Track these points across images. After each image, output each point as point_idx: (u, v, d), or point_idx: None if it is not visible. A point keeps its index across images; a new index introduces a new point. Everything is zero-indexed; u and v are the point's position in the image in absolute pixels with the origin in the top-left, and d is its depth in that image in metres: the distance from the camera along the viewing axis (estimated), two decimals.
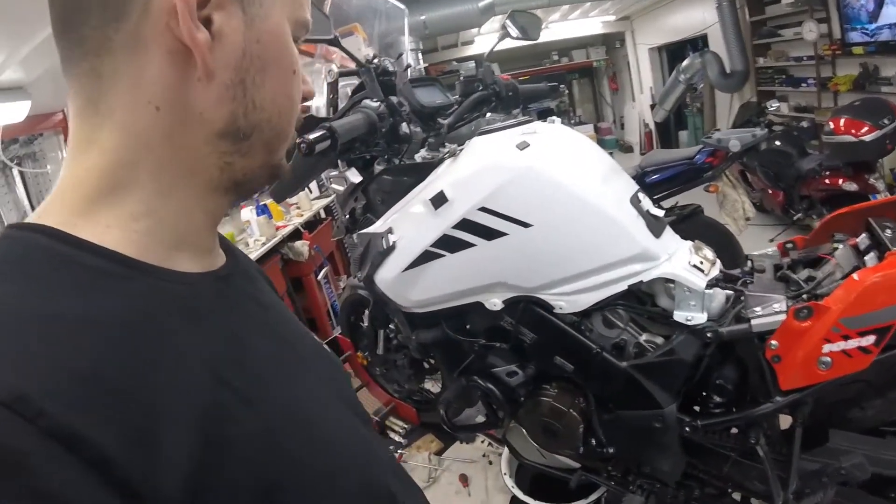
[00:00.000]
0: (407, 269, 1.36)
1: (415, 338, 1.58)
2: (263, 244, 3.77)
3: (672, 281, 1.27)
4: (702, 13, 7.10)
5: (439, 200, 1.30)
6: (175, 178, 0.47)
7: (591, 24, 9.74)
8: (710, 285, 1.25)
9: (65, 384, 0.33)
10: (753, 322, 1.20)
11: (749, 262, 1.48)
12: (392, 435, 2.87)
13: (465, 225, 1.29)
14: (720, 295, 1.31)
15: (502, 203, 1.26)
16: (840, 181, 3.96)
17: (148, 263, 0.44)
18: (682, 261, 1.27)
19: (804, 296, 1.26)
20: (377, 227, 1.48)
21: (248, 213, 4.14)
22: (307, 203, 4.85)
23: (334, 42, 1.37)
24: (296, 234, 4.19)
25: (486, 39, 8.48)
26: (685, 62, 6.78)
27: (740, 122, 5.29)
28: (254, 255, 3.55)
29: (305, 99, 0.56)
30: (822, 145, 4.37)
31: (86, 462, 0.31)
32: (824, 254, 1.41)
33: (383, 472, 0.57)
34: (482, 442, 2.61)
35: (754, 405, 1.26)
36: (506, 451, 2.09)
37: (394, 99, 1.48)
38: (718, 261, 1.34)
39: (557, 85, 2.08)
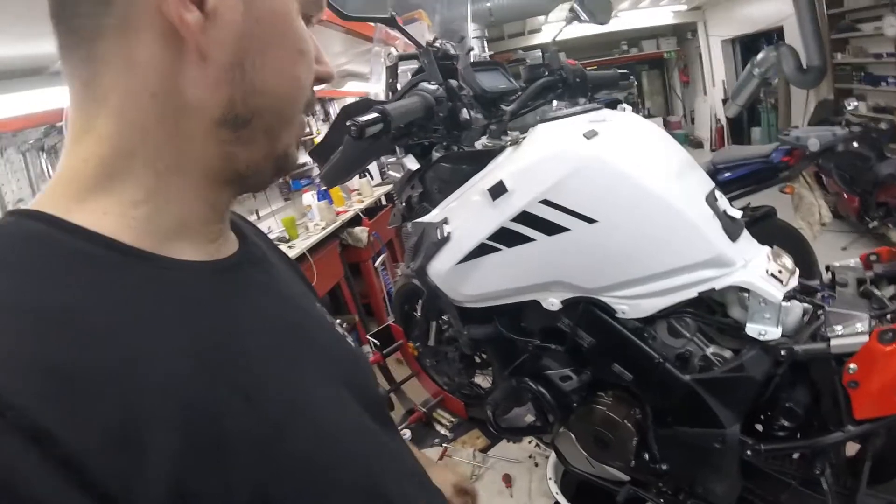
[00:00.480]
0: (461, 261, 1.30)
1: (466, 333, 1.53)
2: (323, 229, 3.83)
3: (747, 290, 1.17)
4: (777, 4, 6.73)
5: (498, 191, 1.23)
6: (174, 169, 0.45)
7: (662, 14, 9.43)
8: (787, 297, 1.14)
9: (39, 380, 0.32)
10: (833, 342, 1.09)
11: (829, 274, 1.36)
12: (438, 427, 2.84)
13: (524, 218, 1.21)
14: (797, 308, 1.20)
15: (566, 196, 1.18)
16: None
17: (145, 251, 0.43)
18: (759, 268, 1.17)
19: (888, 316, 1.14)
20: (432, 216, 1.42)
21: (309, 197, 4.23)
22: (369, 189, 4.90)
23: (390, 21, 1.32)
24: (356, 220, 4.25)
25: (553, 28, 8.22)
26: (759, 55, 6.46)
27: (816, 121, 5.06)
28: (313, 240, 3.60)
29: (321, 81, 0.53)
30: None
31: (55, 460, 0.30)
32: None
33: (393, 478, 0.54)
34: (529, 442, 2.55)
35: (823, 432, 1.16)
36: (552, 455, 2.02)
37: (453, 82, 1.42)
38: (797, 270, 1.22)
39: (627, 73, 1.97)
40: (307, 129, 0.58)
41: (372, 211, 4.56)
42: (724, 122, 9.14)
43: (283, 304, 0.55)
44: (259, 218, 4.04)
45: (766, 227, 2.65)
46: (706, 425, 1.23)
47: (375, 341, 2.70)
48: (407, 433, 2.79)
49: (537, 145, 1.30)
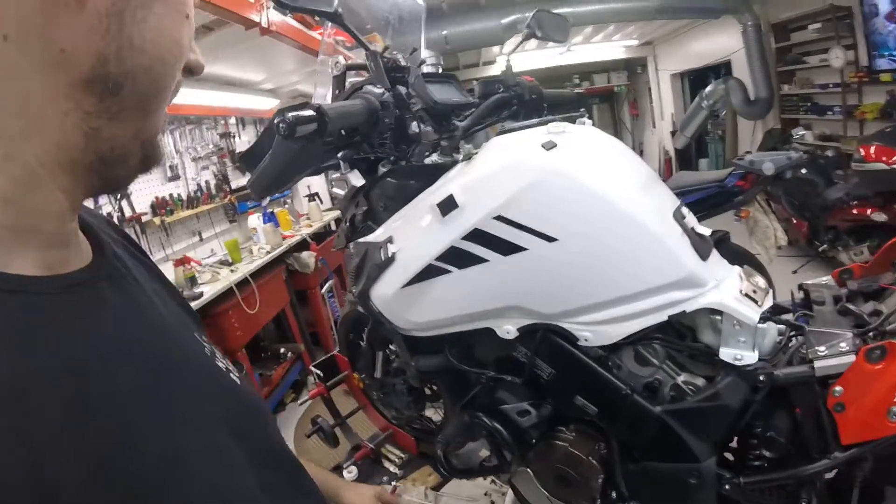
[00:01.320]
0: (407, 284, 1.17)
1: (414, 364, 1.40)
2: (268, 253, 3.70)
3: (718, 312, 1.07)
4: (726, 39, 7.04)
5: (448, 206, 1.11)
6: (24, 139, 0.36)
7: (613, 49, 9.67)
8: (763, 319, 1.05)
9: None
10: (816, 364, 1.01)
11: (801, 293, 1.29)
12: (387, 464, 2.66)
13: (477, 236, 1.09)
14: (773, 330, 1.12)
15: (522, 211, 1.07)
16: (869, 211, 3.88)
17: None
18: (731, 289, 1.07)
19: (871, 333, 1.07)
20: (376, 235, 1.30)
21: (255, 220, 4.10)
22: (318, 214, 4.79)
23: (335, 17, 1.20)
24: (303, 245, 4.13)
25: (509, 60, 8.33)
26: (708, 88, 6.70)
27: (765, 150, 5.16)
28: (256, 264, 3.45)
29: (190, 72, 0.46)
30: (850, 174, 4.24)
31: None
32: (886, 284, 1.24)
33: None
34: (484, 479, 2.40)
35: (806, 460, 1.07)
36: (510, 492, 1.89)
37: (402, 89, 1.31)
38: (771, 290, 1.14)
39: (584, 92, 1.90)
40: (166, 122, 0.50)
41: (320, 236, 4.46)
42: (672, 153, 9.39)
43: (149, 331, 0.46)
44: (202, 240, 3.86)
45: (721, 251, 2.62)
46: (679, 459, 1.12)
47: (319, 372, 2.52)
48: (353, 471, 2.61)
49: (491, 157, 1.19)
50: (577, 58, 9.34)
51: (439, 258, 1.12)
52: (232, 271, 3.35)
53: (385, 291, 1.21)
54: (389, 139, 1.37)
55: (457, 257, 1.11)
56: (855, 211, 3.96)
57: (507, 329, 1.17)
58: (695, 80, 9.07)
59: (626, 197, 1.09)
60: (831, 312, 1.17)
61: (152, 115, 0.42)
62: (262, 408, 0.59)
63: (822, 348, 1.04)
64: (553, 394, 1.23)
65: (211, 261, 3.59)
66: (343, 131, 1.28)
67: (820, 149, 5.58)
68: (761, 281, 1.13)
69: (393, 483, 2.52)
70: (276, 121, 1.00)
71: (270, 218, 4.16)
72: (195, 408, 0.45)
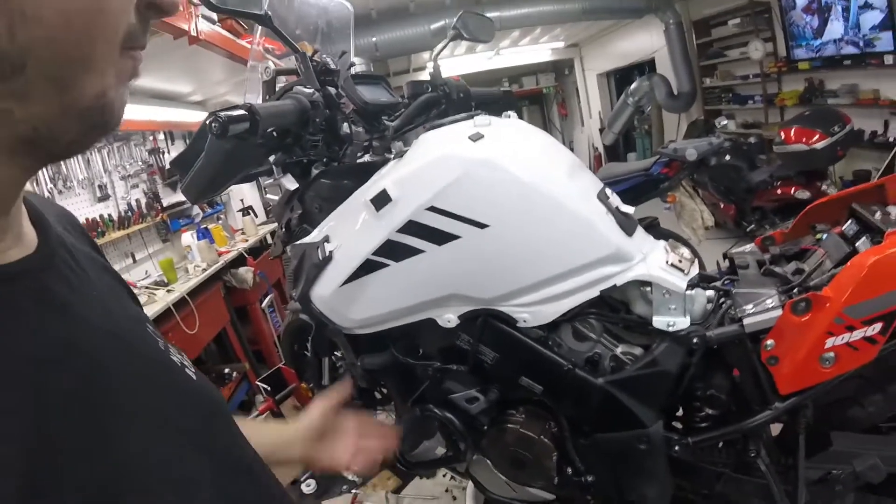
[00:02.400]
0: (346, 282, 1.17)
1: (360, 364, 1.39)
2: (204, 270, 3.60)
3: (648, 284, 1.12)
4: (649, 38, 7.28)
5: (381, 200, 1.12)
6: None
7: (540, 52, 9.83)
8: (690, 286, 1.11)
9: None
10: (746, 322, 1.07)
11: (726, 262, 1.36)
12: (345, 473, 2.63)
13: (411, 228, 1.11)
14: (702, 296, 1.18)
15: (454, 201, 1.09)
16: (793, 190, 4.06)
17: None
18: (658, 261, 1.13)
19: (796, 289, 1.13)
20: (312, 236, 1.29)
21: (189, 237, 3.99)
22: (252, 228, 4.70)
23: (264, 19, 1.20)
24: (240, 261, 4.02)
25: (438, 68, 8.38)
26: (633, 85, 6.94)
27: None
28: (193, 283, 3.36)
29: (160, 10, 0.40)
30: (772, 157, 4.45)
31: None
32: (808, 245, 1.31)
33: None
34: (444, 476, 2.40)
35: (750, 414, 1.13)
36: (470, 485, 1.90)
37: (332, 90, 1.31)
38: (696, 259, 1.20)
39: (511, 90, 1.95)
40: (138, 66, 0.42)
41: (257, 250, 4.36)
42: (601, 149, 9.63)
43: (95, 327, 0.42)
44: (135, 262, 3.73)
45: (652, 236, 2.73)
46: (627, 427, 1.17)
47: (266, 387, 2.48)
48: (312, 483, 2.57)
49: (421, 151, 1.21)
50: (505, 61, 9.46)
51: (376, 252, 1.13)
52: (168, 291, 3.23)
53: (325, 291, 1.21)
54: (321, 141, 1.37)
55: (393, 250, 1.13)
56: (779, 191, 4.15)
57: (448, 318, 1.19)
58: (621, 79, 9.34)
59: (550, 181, 1.13)
60: (756, 275, 1.24)
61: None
62: (219, 402, 0.56)
63: (749, 307, 1.09)
64: (499, 377, 1.25)
65: (146, 282, 3.46)
66: (275, 133, 1.27)
67: (743, 136, 5.86)
68: (686, 252, 1.18)
69: (353, 491, 2.49)
70: (208, 120, 0.99)
71: (205, 234, 4.04)
72: (145, 409, 0.41)
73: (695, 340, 1.10)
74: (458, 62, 8.55)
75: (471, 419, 1.28)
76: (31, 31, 0.32)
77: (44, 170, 2.99)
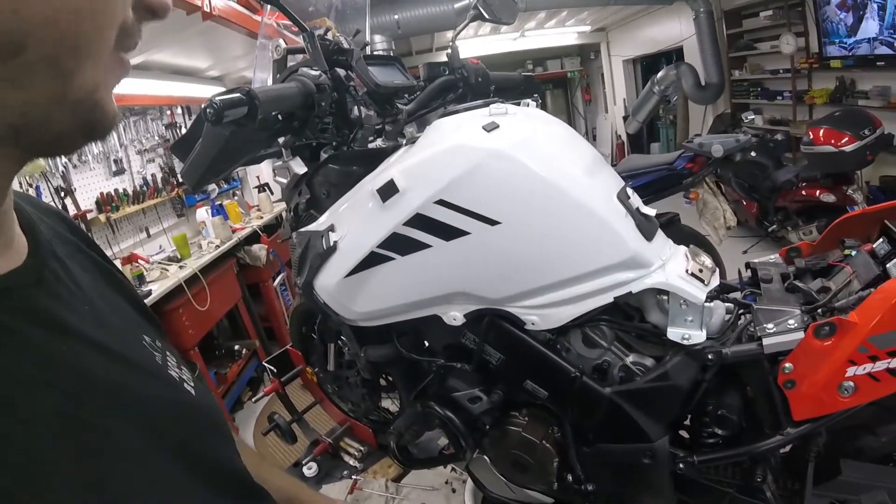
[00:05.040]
0: (350, 274, 1.13)
1: (363, 355, 1.36)
2: (217, 247, 3.58)
3: (665, 292, 1.06)
4: (678, 26, 7.11)
5: (388, 191, 1.07)
6: None
7: (566, 35, 9.68)
8: (710, 297, 1.05)
9: None
10: (766, 342, 1.01)
11: (748, 272, 1.29)
12: (347, 458, 2.63)
13: (418, 221, 1.06)
14: (720, 309, 1.12)
15: (464, 195, 1.04)
16: (817, 192, 3.96)
17: None
18: (678, 268, 1.07)
19: (819, 310, 1.07)
20: (318, 224, 1.25)
21: (203, 213, 3.96)
22: (268, 205, 4.68)
23: None
24: (254, 238, 4.01)
25: (461, 45, 8.28)
26: (660, 73, 6.79)
27: (714, 134, 5.25)
28: (205, 259, 3.35)
29: (153, 13, 0.38)
30: (798, 157, 4.33)
31: None
32: (835, 261, 1.24)
33: None
34: (445, 467, 2.38)
35: (759, 437, 1.07)
36: (469, 481, 1.87)
37: (341, 72, 1.26)
38: (717, 269, 1.14)
39: (531, 74, 1.88)
40: (127, 71, 0.40)
41: (272, 228, 4.33)
42: (624, 138, 9.49)
43: (83, 346, 0.40)
44: (149, 236, 3.72)
45: (671, 233, 2.65)
46: (632, 440, 1.12)
47: (272, 368, 2.46)
48: (313, 466, 2.57)
49: (432, 140, 1.15)
50: (530, 44, 9.33)
51: (381, 245, 1.09)
52: (181, 267, 3.22)
53: (328, 282, 1.17)
54: (332, 124, 1.32)
55: (399, 244, 1.08)
56: (804, 192, 4.04)
57: (454, 316, 1.14)
58: (647, 66, 9.17)
59: (568, 178, 1.06)
60: (779, 290, 1.17)
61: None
62: (220, 423, 0.54)
63: (770, 325, 1.03)
64: (503, 379, 1.21)
65: (159, 257, 3.46)
66: (280, 116, 1.22)
67: (770, 133, 5.71)
68: (707, 260, 1.12)
69: (353, 477, 2.49)
70: (203, 106, 0.95)
71: (219, 211, 4.03)
72: (133, 434, 0.39)
73: (710, 356, 1.04)
74: (482, 43, 8.42)
75: (472, 419, 1.24)
76: (36, 11, 0.30)
77: None
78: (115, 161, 3.48)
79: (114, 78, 0.38)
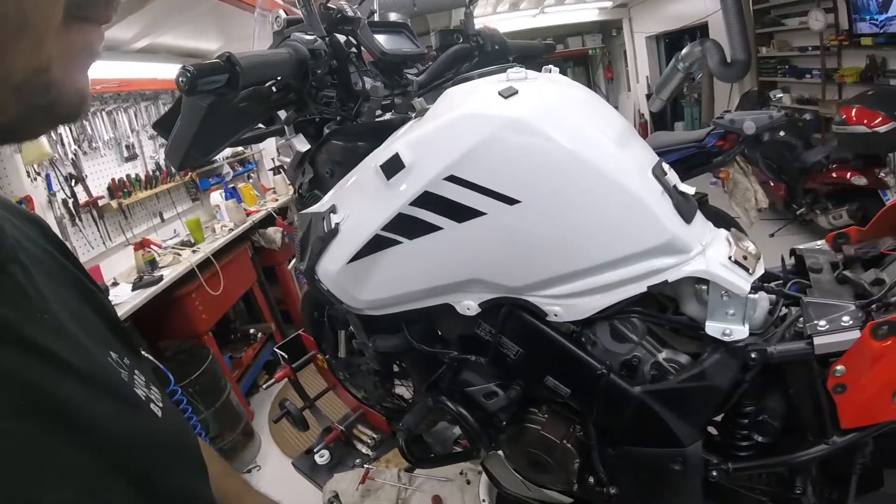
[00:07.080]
0: (354, 259, 1.02)
1: (371, 346, 1.26)
2: (231, 230, 3.53)
3: (704, 281, 0.95)
4: (702, 1, 6.87)
5: (393, 167, 0.96)
6: None
7: (587, 11, 9.48)
8: (754, 288, 0.93)
9: None
10: (817, 341, 0.89)
11: (794, 259, 1.17)
12: (359, 446, 2.56)
13: (426, 200, 0.95)
14: (765, 301, 0.99)
15: (478, 170, 0.92)
16: (848, 175, 3.83)
17: None
18: (719, 255, 0.94)
19: (874, 305, 0.94)
20: (320, 204, 1.15)
21: (217, 196, 3.92)
22: (284, 187, 4.64)
23: None
24: (269, 221, 3.96)
25: (480, 23, 8.13)
26: (684, 50, 6.55)
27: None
28: (219, 243, 3.30)
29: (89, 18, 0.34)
30: (829, 137, 4.16)
31: None
32: (887, 249, 1.11)
33: None
34: None
35: (800, 445, 0.96)
36: (484, 475, 1.78)
37: (341, 37, 1.15)
38: (762, 255, 1.01)
39: (553, 44, 1.76)
40: (97, 45, 0.33)
41: (287, 210, 4.27)
42: (647, 116, 9.29)
43: (38, 365, 0.36)
44: (163, 221, 3.68)
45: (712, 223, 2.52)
46: (662, 444, 1.01)
47: (284, 354, 2.39)
48: (325, 454, 2.51)
49: (442, 109, 1.03)
50: (550, 20, 9.14)
51: (386, 227, 0.98)
52: (194, 252, 3.18)
53: (331, 267, 1.07)
54: (335, 97, 1.22)
55: (406, 226, 0.97)
56: (834, 174, 3.90)
57: (468, 305, 1.04)
58: (671, 43, 8.94)
59: (597, 149, 0.93)
60: (831, 281, 1.05)
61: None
62: (188, 446, 0.51)
63: (822, 322, 0.91)
64: (521, 375, 1.10)
65: (173, 242, 3.42)
66: (275, 88, 1.12)
67: (798, 112, 5.52)
68: (752, 246, 0.99)
69: (366, 466, 2.42)
70: (177, 75, 0.84)
71: (233, 194, 3.98)
72: (80, 457, 0.35)
73: (753, 355, 0.92)
74: (502, 19, 8.27)
75: (488, 415, 1.15)
76: None
77: (68, 130, 2.92)
78: (127, 147, 3.45)
79: (76, 53, 0.34)
